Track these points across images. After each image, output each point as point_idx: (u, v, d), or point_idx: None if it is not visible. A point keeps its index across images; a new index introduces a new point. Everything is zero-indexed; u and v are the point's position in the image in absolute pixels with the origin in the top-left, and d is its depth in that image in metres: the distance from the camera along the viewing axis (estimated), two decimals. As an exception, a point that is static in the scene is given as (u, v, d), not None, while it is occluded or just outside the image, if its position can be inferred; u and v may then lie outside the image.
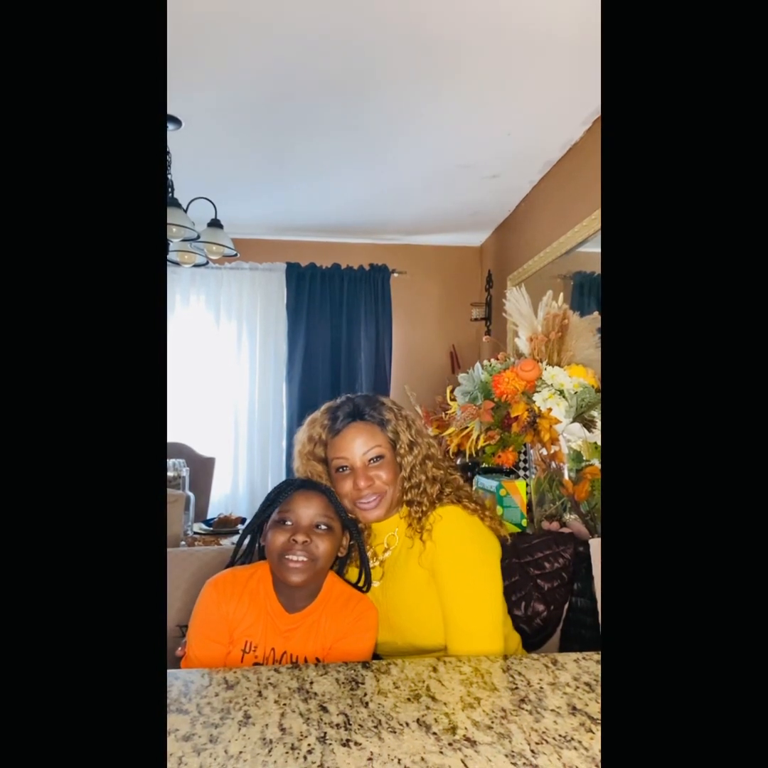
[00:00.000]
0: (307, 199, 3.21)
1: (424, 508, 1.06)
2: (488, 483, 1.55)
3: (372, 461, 1.07)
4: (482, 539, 1.05)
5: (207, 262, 2.65)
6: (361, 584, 1.08)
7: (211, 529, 2.52)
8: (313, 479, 1.11)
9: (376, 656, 1.10)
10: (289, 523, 0.99)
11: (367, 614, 1.02)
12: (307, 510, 0.99)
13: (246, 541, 1.08)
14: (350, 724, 0.68)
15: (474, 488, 1.62)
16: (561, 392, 1.52)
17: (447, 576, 1.01)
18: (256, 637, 0.98)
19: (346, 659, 0.95)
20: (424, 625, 1.03)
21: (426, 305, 4.09)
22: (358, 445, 1.07)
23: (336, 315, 3.92)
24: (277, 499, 1.03)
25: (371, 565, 1.11)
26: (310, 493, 1.02)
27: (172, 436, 3.41)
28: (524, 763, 0.61)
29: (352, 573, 1.11)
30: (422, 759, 0.61)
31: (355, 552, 1.10)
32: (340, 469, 1.08)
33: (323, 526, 0.99)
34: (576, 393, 1.49)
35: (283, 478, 2.94)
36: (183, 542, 2.05)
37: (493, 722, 0.69)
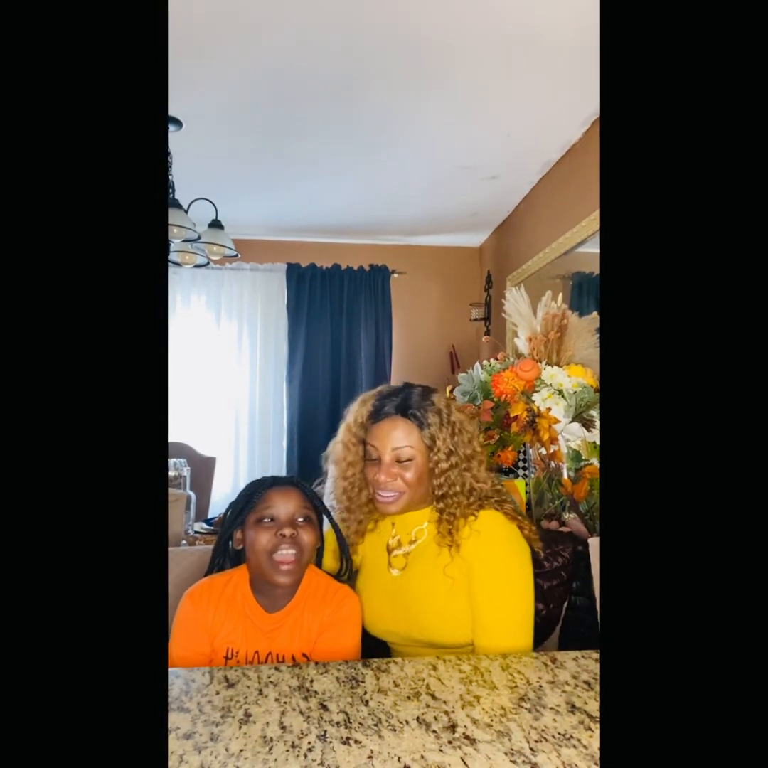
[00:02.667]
0: (307, 199, 3.21)
1: (454, 519, 1.05)
2: (488, 483, 1.55)
3: (400, 459, 1.06)
4: (520, 546, 1.06)
5: (208, 263, 2.65)
6: (343, 575, 1.07)
7: (212, 528, 2.52)
8: (347, 450, 1.12)
9: (385, 646, 1.10)
10: (270, 520, 0.98)
11: (346, 603, 1.01)
12: (287, 504, 0.98)
13: (221, 549, 1.06)
14: (350, 723, 0.68)
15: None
16: (560, 392, 1.52)
17: (486, 579, 1.02)
18: (237, 642, 0.97)
19: (334, 656, 0.95)
20: (445, 621, 1.03)
21: (426, 305, 4.09)
22: (391, 440, 1.06)
23: (336, 315, 3.92)
24: (252, 499, 1.01)
25: (394, 554, 1.11)
26: (285, 488, 1.01)
27: (173, 435, 3.41)
28: (523, 761, 0.61)
29: (329, 563, 1.11)
30: (422, 757, 0.62)
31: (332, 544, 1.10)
32: (371, 456, 1.08)
33: (305, 518, 0.99)
34: (575, 393, 1.50)
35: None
36: (184, 541, 2.06)
37: (492, 720, 0.69)
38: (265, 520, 0.98)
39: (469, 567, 1.03)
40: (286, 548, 0.95)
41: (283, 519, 0.98)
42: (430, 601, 1.04)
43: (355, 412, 1.13)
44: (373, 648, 1.08)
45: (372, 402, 1.11)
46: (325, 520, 1.08)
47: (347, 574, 1.08)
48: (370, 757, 0.62)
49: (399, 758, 0.61)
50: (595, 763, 0.61)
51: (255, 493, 1.01)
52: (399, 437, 1.06)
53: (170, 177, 2.21)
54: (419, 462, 1.06)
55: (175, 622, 0.99)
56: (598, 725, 0.68)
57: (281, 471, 3.84)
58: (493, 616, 1.01)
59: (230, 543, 1.05)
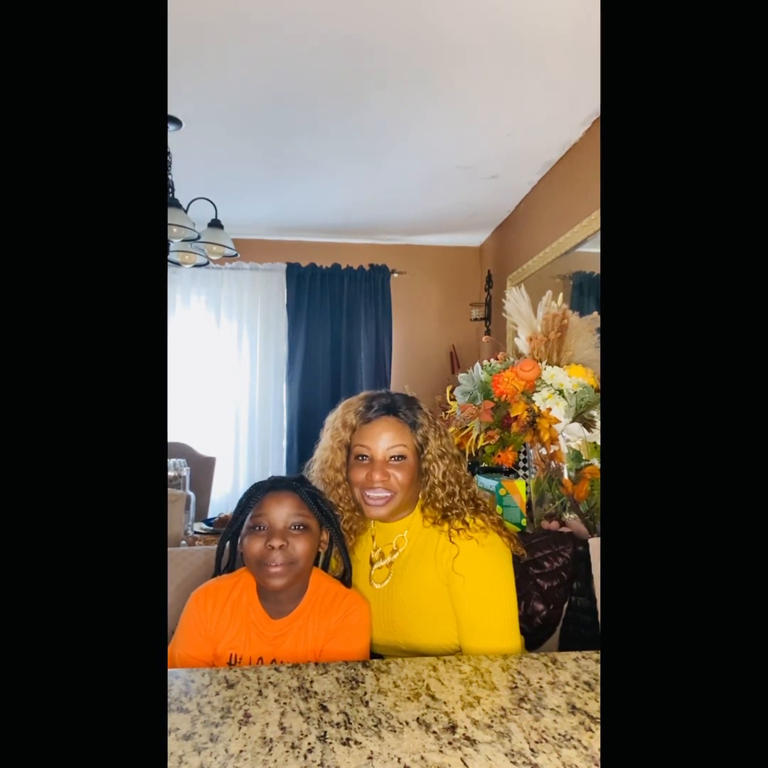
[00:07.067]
0: (307, 199, 3.21)
1: (466, 517, 1.05)
2: (488, 482, 1.55)
3: (393, 459, 1.05)
4: (501, 550, 1.05)
5: (207, 263, 2.65)
6: (345, 579, 1.05)
7: (212, 528, 2.52)
8: (323, 473, 1.09)
9: (376, 657, 1.09)
10: (262, 528, 0.95)
11: (355, 609, 0.98)
12: (280, 511, 0.96)
13: (226, 549, 1.04)
14: (350, 723, 0.68)
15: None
16: (560, 392, 1.52)
17: (470, 583, 1.00)
18: (240, 647, 0.96)
19: (342, 660, 0.95)
20: (430, 629, 1.02)
21: (426, 305, 4.09)
22: (385, 438, 1.05)
23: (336, 315, 3.92)
24: (249, 503, 0.99)
25: (377, 565, 1.09)
26: (281, 493, 0.98)
27: (173, 435, 3.41)
28: (524, 762, 0.61)
29: (332, 566, 1.09)
30: (422, 758, 0.62)
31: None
32: (360, 458, 1.06)
33: (299, 526, 0.96)
34: (575, 393, 1.50)
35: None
36: (184, 541, 2.06)
37: (492, 721, 0.69)
38: (258, 527, 0.96)
39: (447, 573, 1.01)
40: (275, 559, 0.93)
41: (274, 528, 0.95)
42: (415, 609, 1.03)
43: (341, 415, 1.11)
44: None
45: (359, 404, 1.10)
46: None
47: (349, 579, 1.05)
48: (370, 757, 0.62)
49: (399, 759, 0.61)
50: (596, 764, 0.61)
51: (253, 496, 0.99)
52: (393, 435, 1.05)
53: (170, 177, 2.21)
54: (410, 462, 1.06)
55: (179, 622, 0.98)
56: (599, 726, 0.68)
57: (281, 471, 3.84)
58: (479, 619, 1.00)
59: (235, 544, 1.03)
